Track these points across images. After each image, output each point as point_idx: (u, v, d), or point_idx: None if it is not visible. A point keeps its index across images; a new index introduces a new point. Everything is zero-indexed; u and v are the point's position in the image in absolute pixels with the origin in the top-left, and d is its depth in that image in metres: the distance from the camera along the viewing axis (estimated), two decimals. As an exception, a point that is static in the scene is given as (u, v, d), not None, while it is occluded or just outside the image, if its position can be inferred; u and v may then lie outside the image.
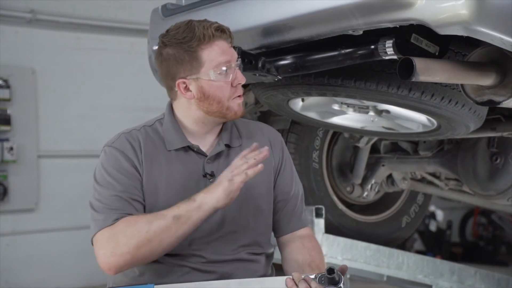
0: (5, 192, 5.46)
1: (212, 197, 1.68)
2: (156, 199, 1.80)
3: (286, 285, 1.65)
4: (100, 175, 1.79)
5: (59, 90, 5.78)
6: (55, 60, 5.75)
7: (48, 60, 5.71)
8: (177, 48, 1.78)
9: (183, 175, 1.82)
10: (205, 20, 1.81)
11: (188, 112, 1.85)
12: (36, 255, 5.60)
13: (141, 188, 1.78)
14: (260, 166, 1.68)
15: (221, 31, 1.79)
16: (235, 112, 1.82)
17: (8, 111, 5.49)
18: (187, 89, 1.81)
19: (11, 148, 5.45)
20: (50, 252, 5.66)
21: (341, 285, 1.62)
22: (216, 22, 1.82)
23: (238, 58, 1.83)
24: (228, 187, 1.67)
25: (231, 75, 1.79)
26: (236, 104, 1.82)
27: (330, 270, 1.60)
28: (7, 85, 5.47)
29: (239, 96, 1.82)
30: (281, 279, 1.68)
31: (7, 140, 5.47)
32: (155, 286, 1.65)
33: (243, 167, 1.68)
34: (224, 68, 1.78)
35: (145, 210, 1.79)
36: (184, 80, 1.80)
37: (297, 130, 3.22)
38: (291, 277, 1.67)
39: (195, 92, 1.80)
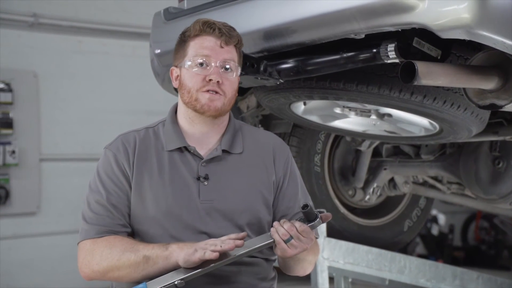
0: (7, 195, 5.45)
1: (179, 254, 1.69)
2: (144, 203, 1.81)
3: (273, 226, 1.71)
4: (93, 177, 1.87)
5: (61, 94, 5.77)
6: (57, 64, 5.75)
7: (50, 63, 5.71)
8: (177, 39, 1.90)
9: (175, 177, 1.83)
10: (210, 19, 1.87)
11: (180, 107, 1.91)
12: (38, 258, 5.59)
13: (127, 193, 1.83)
14: (215, 255, 1.65)
15: (209, 27, 1.83)
16: (202, 105, 1.82)
17: (10, 115, 5.48)
18: (176, 77, 1.89)
19: (13, 152, 5.44)
20: (52, 256, 5.65)
21: (316, 222, 1.71)
22: (218, 22, 1.86)
23: (227, 61, 1.83)
24: (190, 254, 1.67)
25: (208, 70, 1.81)
26: (205, 98, 1.81)
27: (304, 206, 1.69)
28: (9, 89, 5.47)
29: (210, 91, 1.81)
30: (267, 234, 1.75)
31: (9, 143, 5.47)
32: (147, 283, 1.69)
33: (209, 247, 1.66)
34: (200, 61, 1.81)
35: (134, 214, 1.82)
36: (174, 67, 1.90)
37: (299, 134, 3.22)
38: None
39: (177, 80, 1.88)
